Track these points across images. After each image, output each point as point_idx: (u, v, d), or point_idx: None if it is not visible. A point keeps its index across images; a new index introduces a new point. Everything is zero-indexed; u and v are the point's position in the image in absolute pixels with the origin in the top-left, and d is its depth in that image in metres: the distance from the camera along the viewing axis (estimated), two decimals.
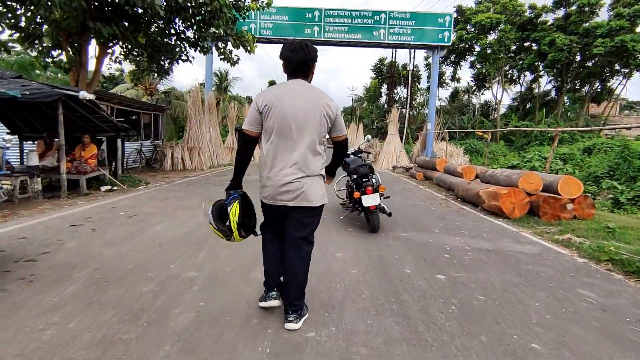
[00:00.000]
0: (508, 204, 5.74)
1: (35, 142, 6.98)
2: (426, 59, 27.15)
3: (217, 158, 13.90)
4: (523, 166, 9.94)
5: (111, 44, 7.68)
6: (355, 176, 4.04)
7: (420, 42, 14.80)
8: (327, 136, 2.03)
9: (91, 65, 8.06)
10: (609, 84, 25.37)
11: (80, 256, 2.97)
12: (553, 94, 27.75)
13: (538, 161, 10.37)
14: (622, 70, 23.45)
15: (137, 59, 9.10)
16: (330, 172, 2.28)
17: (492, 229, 4.84)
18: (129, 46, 8.40)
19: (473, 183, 7.31)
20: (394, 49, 23.01)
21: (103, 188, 6.84)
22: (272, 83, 43.15)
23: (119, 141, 7.35)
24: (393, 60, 24.30)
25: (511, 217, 5.71)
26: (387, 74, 27.47)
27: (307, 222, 1.97)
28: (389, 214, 3.97)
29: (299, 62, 1.91)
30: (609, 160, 13.43)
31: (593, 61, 22.94)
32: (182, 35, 8.27)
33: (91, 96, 5.47)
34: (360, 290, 2.49)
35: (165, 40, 8.05)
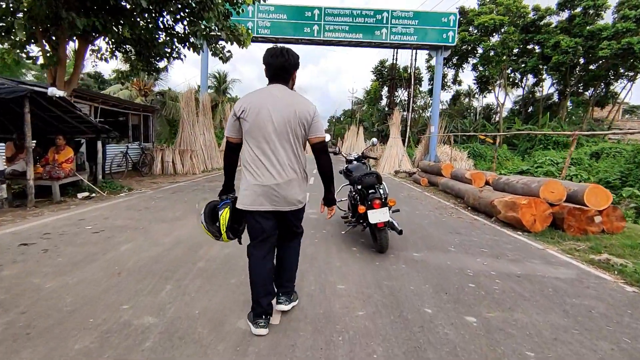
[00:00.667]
0: (528, 215, 5.15)
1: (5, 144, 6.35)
2: (428, 60, 26.73)
3: (211, 162, 13.29)
4: (534, 172, 9.37)
5: (92, 38, 7.07)
6: (359, 187, 3.42)
7: (424, 42, 14.26)
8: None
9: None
10: (612, 88, 24.97)
11: (13, 290, 2.34)
12: (555, 97, 27.32)
13: (550, 166, 9.80)
14: (627, 73, 23.02)
15: (125, 56, 8.52)
16: (328, 201, 2.18)
17: (514, 246, 4.23)
18: (114, 42, 7.82)
19: (485, 191, 6.71)
20: (396, 50, 22.52)
21: (80, 195, 6.21)
22: None
23: (99, 143, 6.72)
24: (394, 62, 23.81)
25: (531, 230, 5.12)
26: (388, 76, 26.97)
27: (291, 221, 2.04)
28: (400, 232, 3.34)
29: (279, 67, 1.91)
30: (620, 166, 12.87)
31: (597, 64, 22.51)
32: (171, 31, 7.68)
33: (61, 93, 4.86)
34: (370, 346, 1.86)
35: (154, 35, 7.45)
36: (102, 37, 7.21)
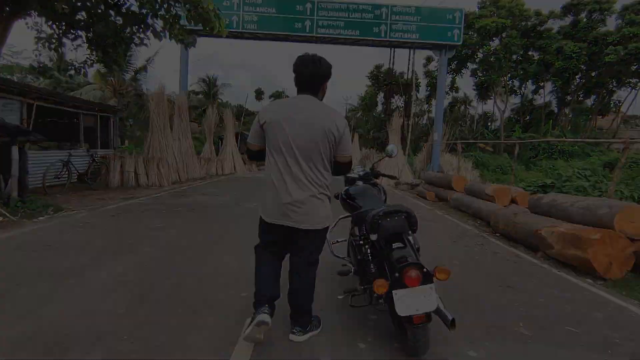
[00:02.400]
0: (601, 255, 3.66)
1: None
2: (425, 65, 25.65)
3: (186, 171, 11.60)
4: (562, 186, 7.99)
5: (15, 14, 5.45)
6: (374, 235, 1.80)
7: (426, 41, 12.96)
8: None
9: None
10: (615, 96, 24.25)
11: None
12: (554, 105, 26.51)
13: (582, 179, 8.40)
14: (629, 80, 22.21)
15: (73, 43, 6.94)
16: None
17: (607, 314, 2.71)
18: (58, 25, 6.26)
19: (521, 214, 5.21)
20: (393, 51, 21.30)
21: None
22: (258, 92, 40.87)
23: (14, 149, 5.04)
24: (391, 66, 22.60)
25: (605, 276, 3.64)
26: (384, 80, 25.78)
27: (309, 245, 1.91)
28: (452, 323, 1.68)
29: (309, 76, 1.84)
30: None
31: (599, 71, 21.66)
32: (123, 9, 6.11)
33: None
34: None
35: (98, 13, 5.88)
36: (29, 13, 5.61)
